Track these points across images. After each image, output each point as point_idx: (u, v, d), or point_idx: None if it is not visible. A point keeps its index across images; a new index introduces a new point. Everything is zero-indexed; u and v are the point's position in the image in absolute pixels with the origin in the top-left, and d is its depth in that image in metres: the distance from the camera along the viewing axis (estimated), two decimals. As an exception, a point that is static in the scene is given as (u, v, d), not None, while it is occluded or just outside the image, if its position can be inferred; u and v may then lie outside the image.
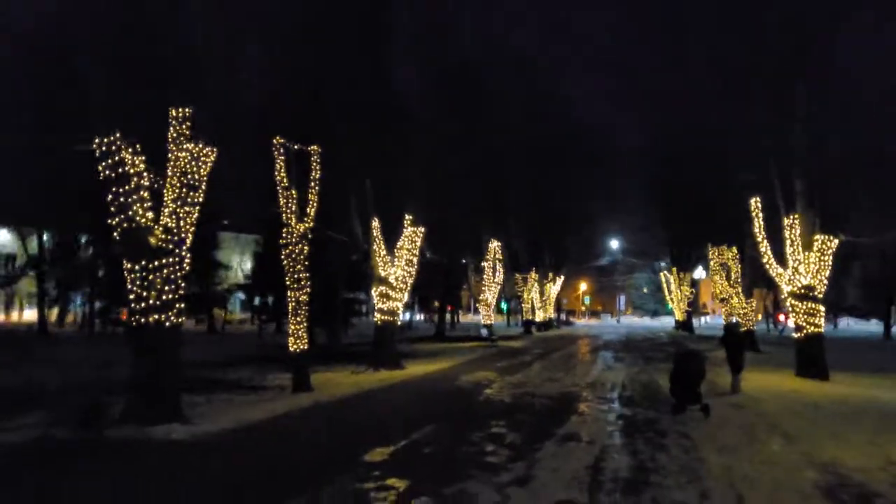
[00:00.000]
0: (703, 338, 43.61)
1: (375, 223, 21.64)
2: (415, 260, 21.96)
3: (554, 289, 58.74)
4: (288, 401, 13.81)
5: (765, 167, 19.57)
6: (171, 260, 10.89)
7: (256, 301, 46.47)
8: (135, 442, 9.34)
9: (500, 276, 37.62)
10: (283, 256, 15.72)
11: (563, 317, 78.50)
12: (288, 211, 15.55)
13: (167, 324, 10.76)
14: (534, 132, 40.04)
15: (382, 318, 21.49)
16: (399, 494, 6.65)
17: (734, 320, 16.31)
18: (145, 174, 11.03)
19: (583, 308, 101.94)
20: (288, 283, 15.67)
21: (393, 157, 21.83)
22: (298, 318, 15.74)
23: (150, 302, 10.68)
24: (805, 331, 17.88)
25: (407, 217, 21.75)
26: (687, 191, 37.14)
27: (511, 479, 7.27)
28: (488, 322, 37.29)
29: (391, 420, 11.65)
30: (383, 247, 21.66)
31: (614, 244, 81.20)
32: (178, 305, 11.00)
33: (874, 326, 58.93)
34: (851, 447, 9.17)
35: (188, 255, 11.24)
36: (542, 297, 55.16)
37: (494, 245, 37.18)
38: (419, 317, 68.97)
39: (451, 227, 33.89)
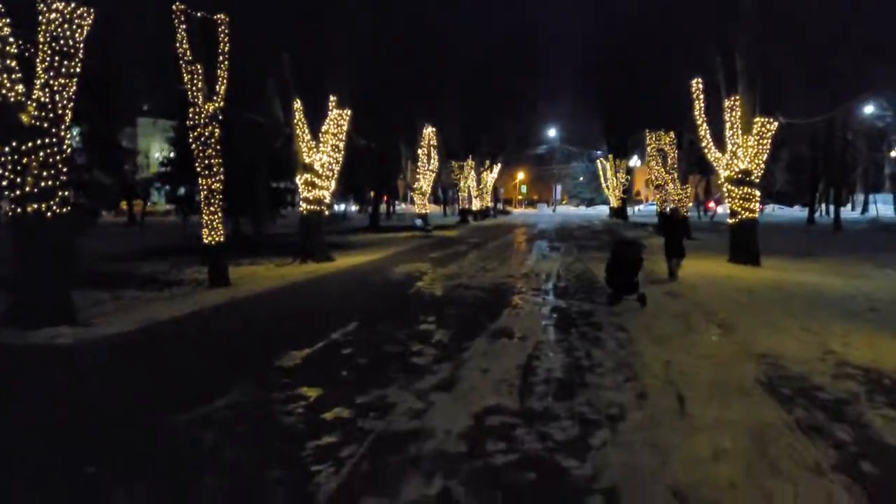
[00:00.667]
0: (637, 225, 44.22)
1: (298, 105, 20.00)
2: (342, 145, 20.58)
3: (491, 177, 58.12)
4: (201, 297, 12.79)
5: (707, 47, 18.74)
6: (47, 141, 9.39)
7: (182, 191, 44.23)
8: (7, 348, 8.23)
9: (434, 164, 36.51)
10: (190, 140, 14.20)
11: (500, 206, 78.51)
12: (194, 89, 13.89)
13: (49, 213, 9.41)
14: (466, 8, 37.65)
15: (308, 207, 20.31)
16: (307, 406, 5.88)
17: (673, 207, 15.94)
18: (11, 40, 9.29)
19: (520, 197, 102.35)
20: (198, 169, 14.24)
21: (312, 28, 19.95)
22: (212, 208, 14.44)
23: (27, 189, 9.27)
24: (740, 216, 17.73)
25: (332, 97, 20.13)
26: (625, 75, 36.15)
27: (436, 384, 6.60)
28: (423, 212, 36.49)
29: (312, 318, 10.82)
30: (307, 131, 20.15)
31: (552, 133, 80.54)
32: (61, 193, 9.61)
33: (797, 212, 61.22)
34: (788, 336, 8.90)
35: (68, 136, 9.76)
36: (478, 186, 54.53)
37: (429, 131, 35.79)
38: (354, 208, 67.63)
39: (383, 110, 32.25)
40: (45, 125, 9.36)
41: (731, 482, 4.22)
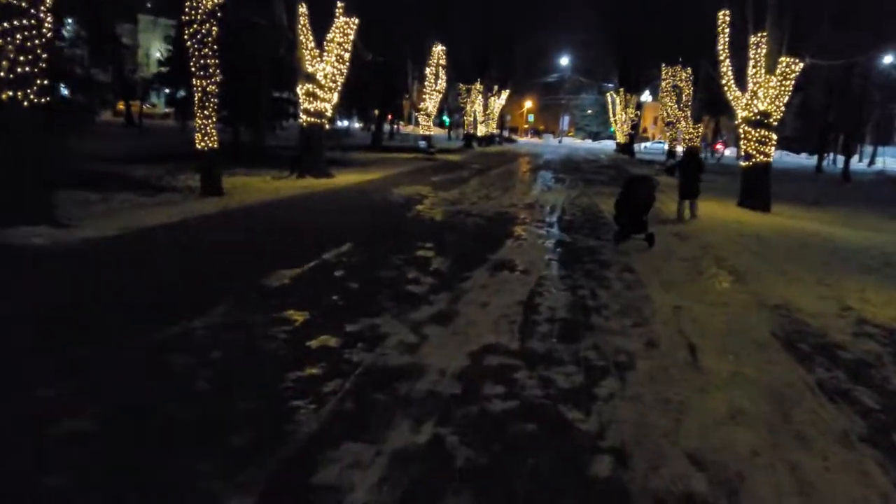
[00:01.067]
0: (643, 162, 43.31)
1: (303, 9, 18.89)
2: (346, 56, 19.56)
3: (498, 103, 56.63)
4: (191, 205, 12.24)
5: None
6: (25, 22, 8.61)
7: (181, 94, 42.88)
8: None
9: (442, 85, 35.28)
10: (186, 36, 13.31)
11: (505, 133, 76.99)
12: (191, -19, 12.89)
13: (25, 102, 8.74)
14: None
15: (309, 119, 19.50)
16: (291, 332, 5.44)
17: (692, 144, 15.20)
18: None
19: (526, 126, 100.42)
20: (193, 69, 13.41)
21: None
22: (206, 112, 13.73)
23: (1, 74, 8.56)
24: (754, 159, 17.03)
25: (339, 3, 18.99)
26: (644, 4, 34.42)
27: (431, 316, 6.16)
28: (428, 133, 35.51)
29: (304, 235, 10.32)
30: (311, 38, 19.11)
31: (563, 61, 78.07)
32: (39, 81, 8.91)
33: (804, 160, 60.11)
34: (803, 288, 8.46)
35: (49, 18, 8.95)
36: (485, 112, 53.17)
37: (438, 49, 34.40)
38: (357, 125, 66.15)
39: (392, 24, 30.80)
40: (23, 4, 8.56)
41: (752, 449, 3.83)
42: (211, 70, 13.43)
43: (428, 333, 5.62)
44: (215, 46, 13.44)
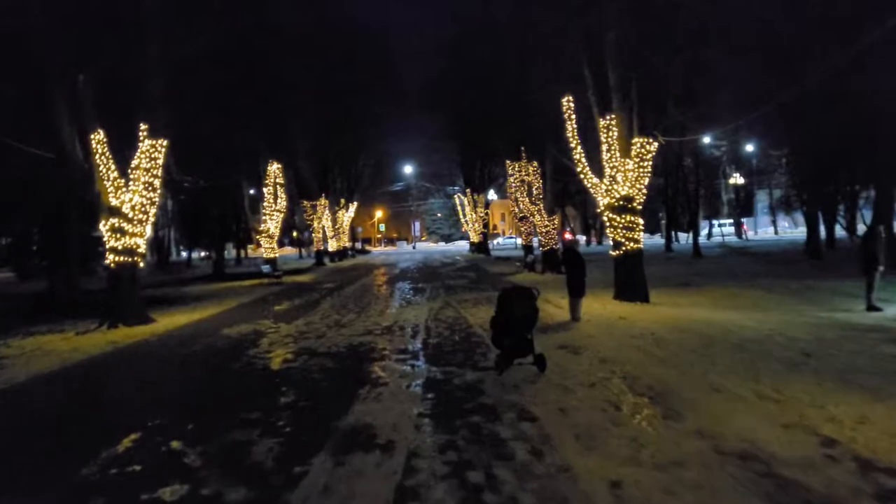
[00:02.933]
0: (500, 259, 42.69)
1: (99, 136, 16.02)
2: (157, 183, 16.68)
3: (347, 216, 54.96)
4: None
5: (572, 65, 17.03)
6: None
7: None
8: None
9: (282, 203, 32.82)
10: None
11: (358, 245, 75.33)
12: None
13: None
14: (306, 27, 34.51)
15: (117, 259, 16.17)
16: None
17: (571, 239, 13.78)
18: None
19: (378, 235, 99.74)
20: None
21: (111, 42, 16.16)
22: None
23: None
24: (624, 248, 15.82)
25: (142, 126, 16.29)
26: (481, 102, 34.50)
27: None
28: (271, 255, 32.59)
29: (80, 423, 7.19)
30: (113, 167, 16.14)
31: (408, 169, 79.07)
32: None
33: (647, 239, 62.97)
34: (750, 411, 6.51)
35: None
36: (334, 226, 51.19)
37: (274, 167, 32.17)
38: (198, 255, 61.66)
39: (221, 145, 28.32)
40: None
41: None
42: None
43: None
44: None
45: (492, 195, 62.89)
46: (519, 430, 6.19)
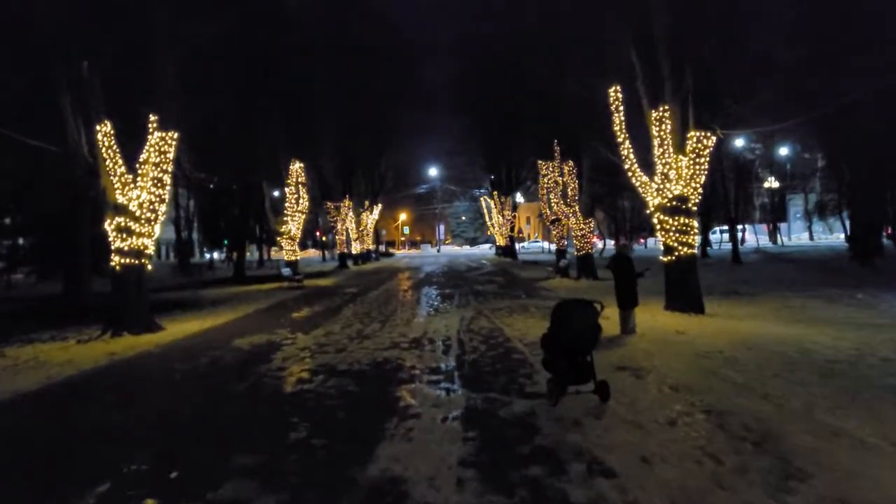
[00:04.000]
0: (529, 263, 41.18)
1: (106, 128, 14.89)
2: (167, 178, 15.50)
3: (371, 218, 53.83)
4: None
5: (615, 53, 15.55)
6: None
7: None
8: None
9: (304, 204, 31.64)
10: None
11: (382, 248, 74.26)
12: None
13: None
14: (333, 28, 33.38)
15: (123, 261, 15.02)
16: None
17: (623, 242, 12.32)
18: None
19: (402, 238, 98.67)
20: None
21: (119, 26, 15.03)
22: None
23: None
24: (677, 253, 14.26)
25: (151, 117, 15.12)
26: (509, 101, 33.00)
27: None
28: (293, 258, 31.41)
29: (33, 469, 5.88)
30: (120, 161, 15.00)
31: (433, 172, 77.98)
32: None
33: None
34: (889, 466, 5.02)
35: None
36: (358, 229, 50.07)
37: (296, 167, 31.00)
38: (218, 256, 60.91)
39: (243, 143, 27.22)
40: None
41: None
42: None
43: None
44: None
45: (520, 198, 61.38)
46: (594, 490, 4.76)
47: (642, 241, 64.50)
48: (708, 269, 30.48)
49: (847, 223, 38.35)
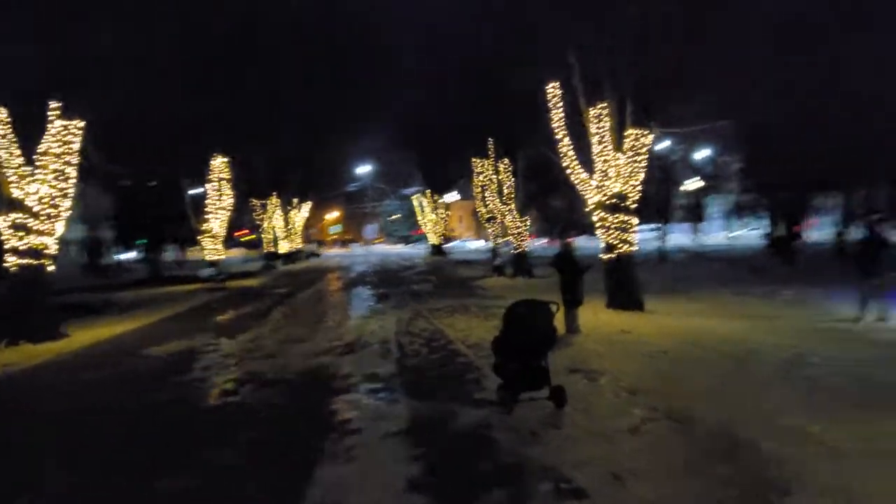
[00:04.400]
0: (462, 261, 40.76)
1: (2, 114, 13.48)
2: (71, 171, 14.14)
3: (300, 216, 52.31)
4: None
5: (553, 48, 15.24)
6: None
7: None
8: None
9: (228, 201, 30.14)
10: None
11: (312, 247, 72.50)
12: None
13: None
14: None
15: (20, 262, 13.60)
16: None
17: (566, 240, 11.98)
18: None
19: (333, 237, 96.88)
20: None
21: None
22: None
23: None
24: (617, 250, 14.04)
25: (51, 104, 13.76)
26: (446, 98, 32.41)
27: None
28: (216, 258, 29.86)
29: None
30: (16, 152, 13.59)
31: (364, 169, 76.70)
32: None
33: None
34: (886, 478, 4.69)
35: None
36: (286, 227, 48.50)
37: (219, 161, 29.51)
38: (132, 256, 57.90)
39: (162, 138, 25.60)
40: None
41: None
42: None
43: None
44: None
45: (454, 196, 60.99)
46: (568, 513, 4.20)
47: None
48: (638, 267, 30.84)
49: (765, 223, 39.75)
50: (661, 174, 57.88)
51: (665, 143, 46.52)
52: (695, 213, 67.34)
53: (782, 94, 21.91)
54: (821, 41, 20.42)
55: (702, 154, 57.33)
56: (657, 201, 37.56)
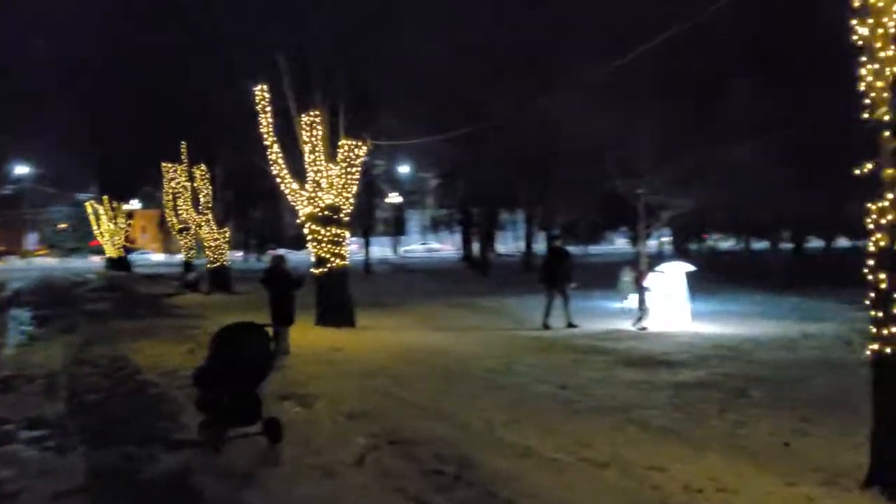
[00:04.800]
0: (148, 276, 36.94)
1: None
2: None
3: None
4: None
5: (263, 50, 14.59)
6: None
7: None
8: None
9: None
10: None
11: (-52, 260, 59.82)
12: None
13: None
14: None
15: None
16: None
17: (278, 254, 11.10)
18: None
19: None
20: None
21: None
22: None
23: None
24: (330, 265, 13.68)
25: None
26: (122, 98, 29.23)
27: None
28: None
29: None
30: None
31: (23, 169, 65.70)
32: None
33: (294, 255, 61.99)
34: (595, 486, 4.91)
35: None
36: None
37: None
38: None
39: None
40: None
41: None
42: None
43: None
44: None
45: (137, 204, 55.29)
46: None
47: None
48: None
49: (460, 237, 43.15)
50: (365, 187, 59.80)
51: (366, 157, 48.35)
52: (396, 226, 71.07)
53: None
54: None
55: (404, 168, 60.68)
56: (359, 214, 38.24)
